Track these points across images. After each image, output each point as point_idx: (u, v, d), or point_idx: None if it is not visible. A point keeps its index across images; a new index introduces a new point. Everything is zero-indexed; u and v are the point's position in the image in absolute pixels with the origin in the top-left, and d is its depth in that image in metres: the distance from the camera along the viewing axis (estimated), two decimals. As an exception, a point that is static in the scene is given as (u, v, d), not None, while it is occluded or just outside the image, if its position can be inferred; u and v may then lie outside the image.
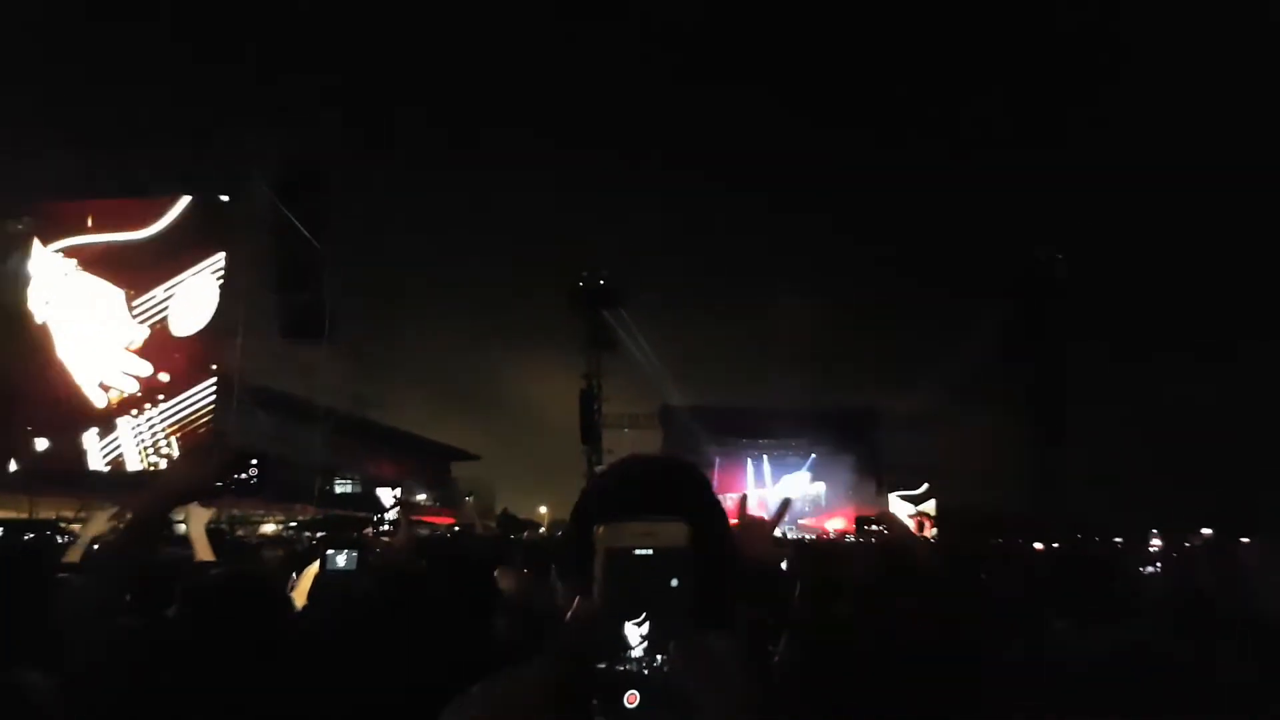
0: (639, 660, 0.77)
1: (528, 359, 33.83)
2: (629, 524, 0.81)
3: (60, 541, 6.38)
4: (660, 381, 27.26)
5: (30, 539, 7.01)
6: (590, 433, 25.40)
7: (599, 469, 1.12)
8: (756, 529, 2.03)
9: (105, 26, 19.41)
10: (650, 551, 0.80)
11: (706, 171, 38.60)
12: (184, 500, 2.06)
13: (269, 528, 15.03)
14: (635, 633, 0.78)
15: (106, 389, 15.11)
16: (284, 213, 15.83)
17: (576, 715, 0.78)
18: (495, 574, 2.89)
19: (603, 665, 0.77)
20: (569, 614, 0.83)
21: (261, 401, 16.93)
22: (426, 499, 31.66)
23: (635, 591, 0.79)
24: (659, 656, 0.77)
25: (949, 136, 32.40)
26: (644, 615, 0.78)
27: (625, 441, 25.76)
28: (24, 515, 13.92)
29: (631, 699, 0.77)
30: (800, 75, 37.20)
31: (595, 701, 0.78)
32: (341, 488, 26.36)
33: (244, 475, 2.08)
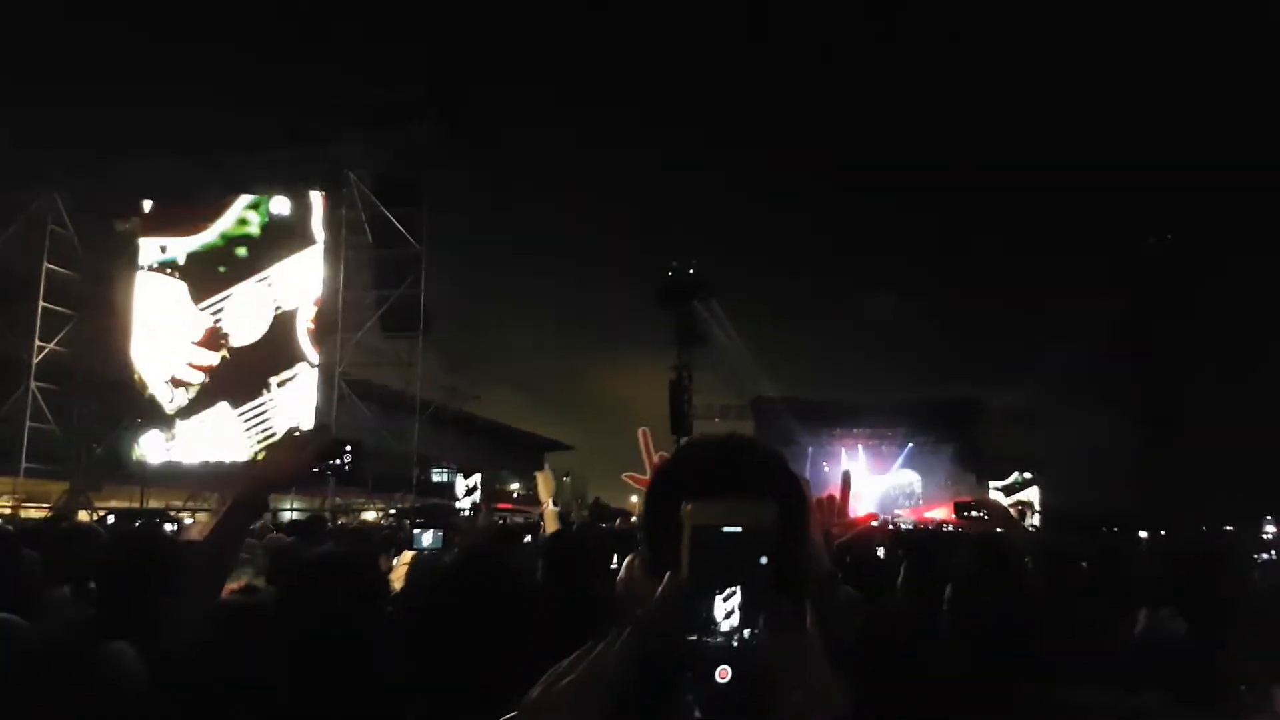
0: (728, 634, 0.78)
1: (619, 352, 34.11)
2: (718, 501, 0.82)
3: (170, 529, 6.73)
4: (751, 373, 27.08)
5: (140, 524, 7.42)
6: (680, 423, 25.38)
7: (680, 444, 1.14)
8: (828, 508, 2.07)
9: (206, 31, 20.39)
10: (740, 529, 0.80)
11: (801, 161, 38.07)
12: (281, 486, 2.09)
13: (369, 515, 15.54)
14: (723, 608, 0.78)
15: (176, 384, 15.88)
16: (383, 212, 16.36)
17: (665, 687, 0.79)
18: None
19: (693, 639, 0.78)
20: (659, 589, 0.83)
21: (363, 394, 17.56)
22: (519, 489, 32.27)
23: (724, 569, 0.79)
24: (747, 631, 0.78)
25: (1059, 123, 31.03)
26: (732, 591, 0.78)
27: (717, 432, 25.63)
28: (135, 504, 14.78)
29: (723, 674, 0.77)
30: (899, 64, 36.23)
31: (687, 675, 0.78)
32: (438, 477, 27.12)
33: (339, 461, 2.11)
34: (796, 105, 38.05)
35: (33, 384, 15.96)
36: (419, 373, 17.35)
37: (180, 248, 16.25)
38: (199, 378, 15.93)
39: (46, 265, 16.14)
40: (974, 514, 3.58)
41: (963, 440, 28.17)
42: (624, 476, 16.19)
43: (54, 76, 18.23)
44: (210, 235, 16.23)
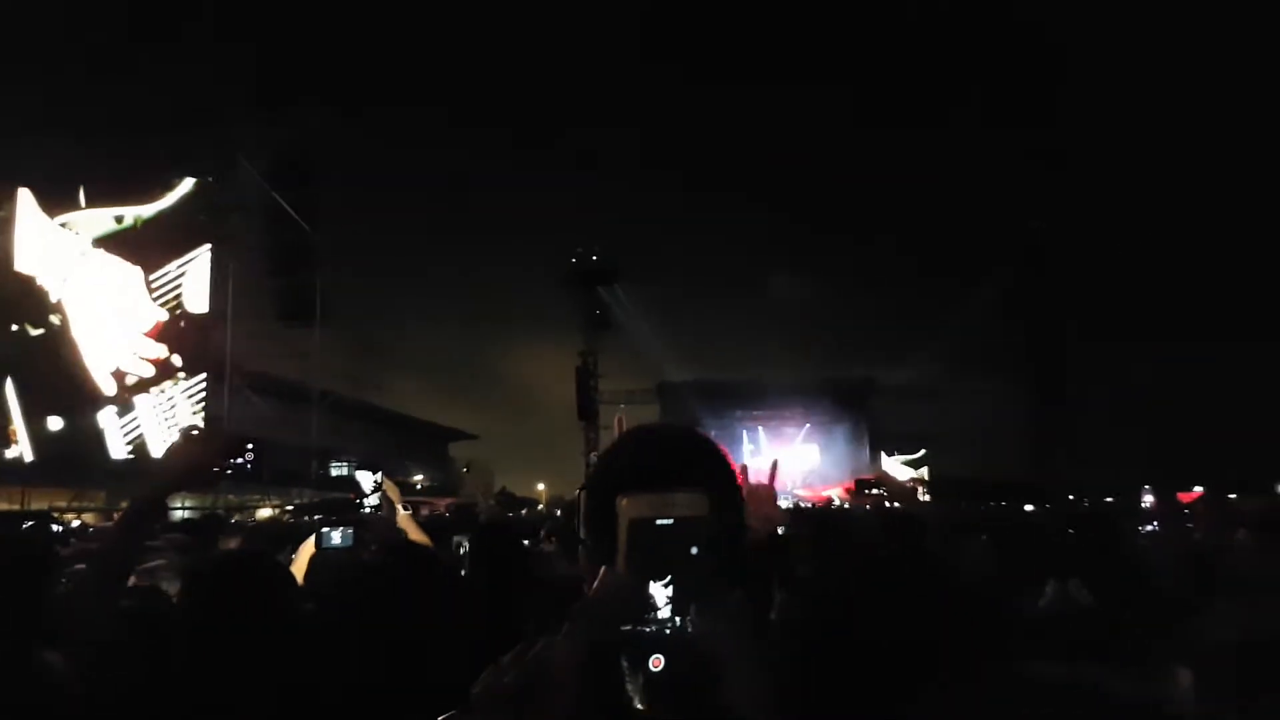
0: (663, 623, 0.81)
1: (523, 338, 33.89)
2: (650, 495, 0.84)
3: (56, 530, 6.41)
4: (656, 357, 27.29)
5: (30, 526, 7.05)
6: (587, 409, 25.47)
7: (614, 438, 1.15)
8: (761, 494, 2.09)
9: (98, 10, 19.16)
10: (671, 521, 0.83)
11: (697, 146, 38.47)
12: (182, 487, 2.07)
13: (265, 512, 15.06)
14: (660, 596, 0.81)
15: (120, 376, 15.02)
16: (275, 198, 15.77)
17: (606, 677, 0.81)
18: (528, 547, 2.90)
19: (628, 628, 0.81)
20: (594, 583, 0.86)
21: (257, 386, 16.91)
22: (424, 479, 31.74)
23: (658, 560, 0.82)
24: (679, 620, 0.81)
25: (943, 109, 32.26)
26: (667, 579, 0.81)
27: (625, 417, 25.80)
28: (16, 507, 13.91)
29: (656, 662, 0.80)
30: (791, 49, 36.94)
31: (625, 665, 0.82)
32: (337, 470, 26.39)
33: (241, 460, 2.09)
34: (699, 92, 38.45)
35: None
36: (316, 363, 16.89)
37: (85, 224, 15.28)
38: (148, 370, 15.05)
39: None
40: (873, 490, 3.73)
41: (859, 418, 29.16)
42: None
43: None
44: (115, 210, 15.30)
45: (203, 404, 14.93)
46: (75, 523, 10.17)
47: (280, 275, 16.08)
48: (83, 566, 2.36)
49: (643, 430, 1.12)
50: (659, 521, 0.83)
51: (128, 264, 15.15)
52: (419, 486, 28.73)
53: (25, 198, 15.17)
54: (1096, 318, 25.09)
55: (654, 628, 0.81)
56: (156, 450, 14.63)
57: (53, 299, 14.93)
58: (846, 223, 36.89)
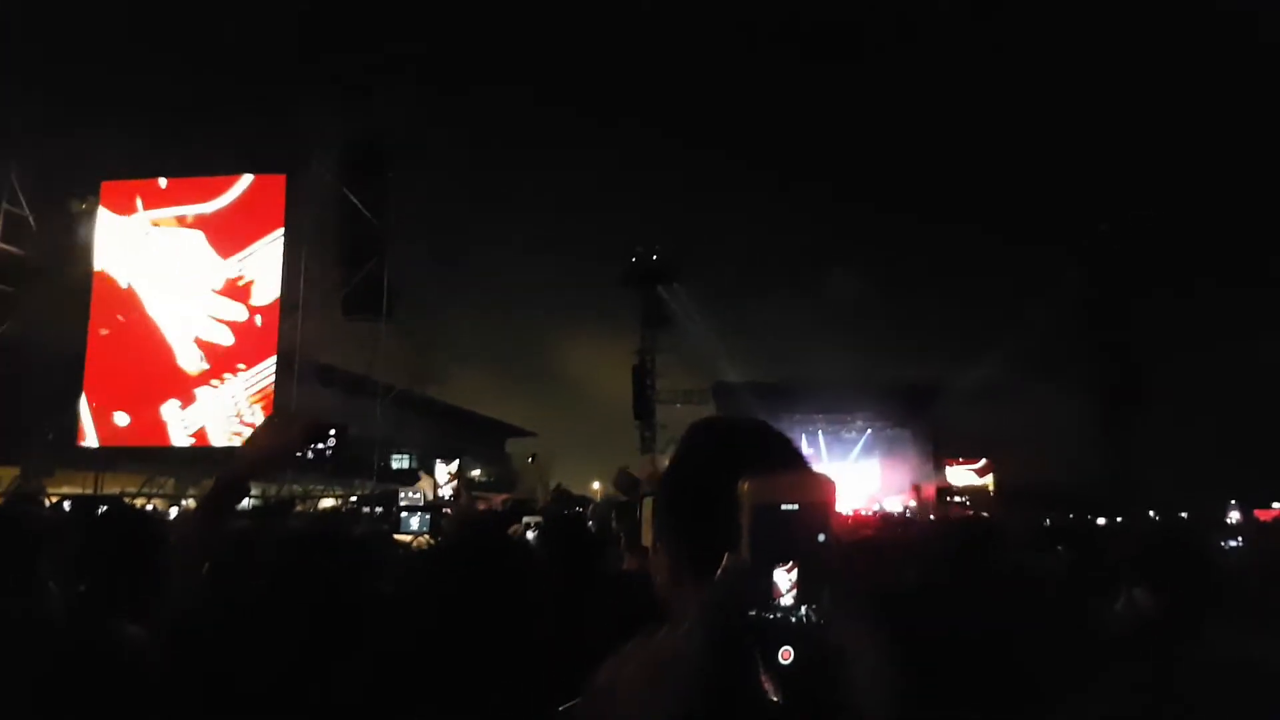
0: (788, 611, 0.79)
1: (581, 336, 33.98)
2: (776, 478, 0.83)
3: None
4: (714, 357, 27.18)
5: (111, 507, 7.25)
6: (643, 408, 25.48)
7: (696, 426, 1.13)
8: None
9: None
10: (797, 506, 0.81)
11: (763, 146, 38.17)
12: (264, 469, 2.07)
13: (328, 502, 15.37)
14: (784, 581, 0.79)
15: (203, 344, 15.40)
16: (345, 191, 16.08)
17: (734, 665, 0.80)
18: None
19: (754, 613, 0.79)
20: (719, 569, 0.84)
21: (322, 378, 17.28)
22: (481, 474, 32.11)
23: (783, 546, 0.80)
24: (806, 610, 0.79)
25: (1010, 105, 31.47)
26: (792, 567, 0.80)
27: (678, 416, 25.72)
28: (89, 492, 14.45)
29: (786, 654, 0.78)
30: (857, 51, 36.41)
31: (754, 657, 0.79)
32: (398, 463, 26.90)
33: (323, 445, 2.09)
34: (759, 92, 38.14)
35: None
36: (380, 356, 17.17)
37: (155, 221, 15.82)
38: (228, 336, 15.41)
39: (-1, 245, 15.64)
40: (956, 499, 3.65)
41: (922, 424, 28.57)
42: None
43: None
44: (181, 209, 15.80)
45: (262, 395, 15.26)
46: (148, 507, 10.47)
47: (348, 268, 16.38)
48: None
49: (722, 420, 1.12)
50: (784, 506, 0.81)
51: (186, 230, 15.58)
52: (476, 481, 29.07)
53: (106, 192, 15.77)
54: (1172, 320, 24.21)
55: (781, 615, 0.79)
56: (217, 439, 15.01)
57: (123, 286, 15.48)
58: (910, 222, 36.25)
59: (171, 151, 15.83)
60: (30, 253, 16.02)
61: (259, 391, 15.27)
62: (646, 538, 1.08)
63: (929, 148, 33.53)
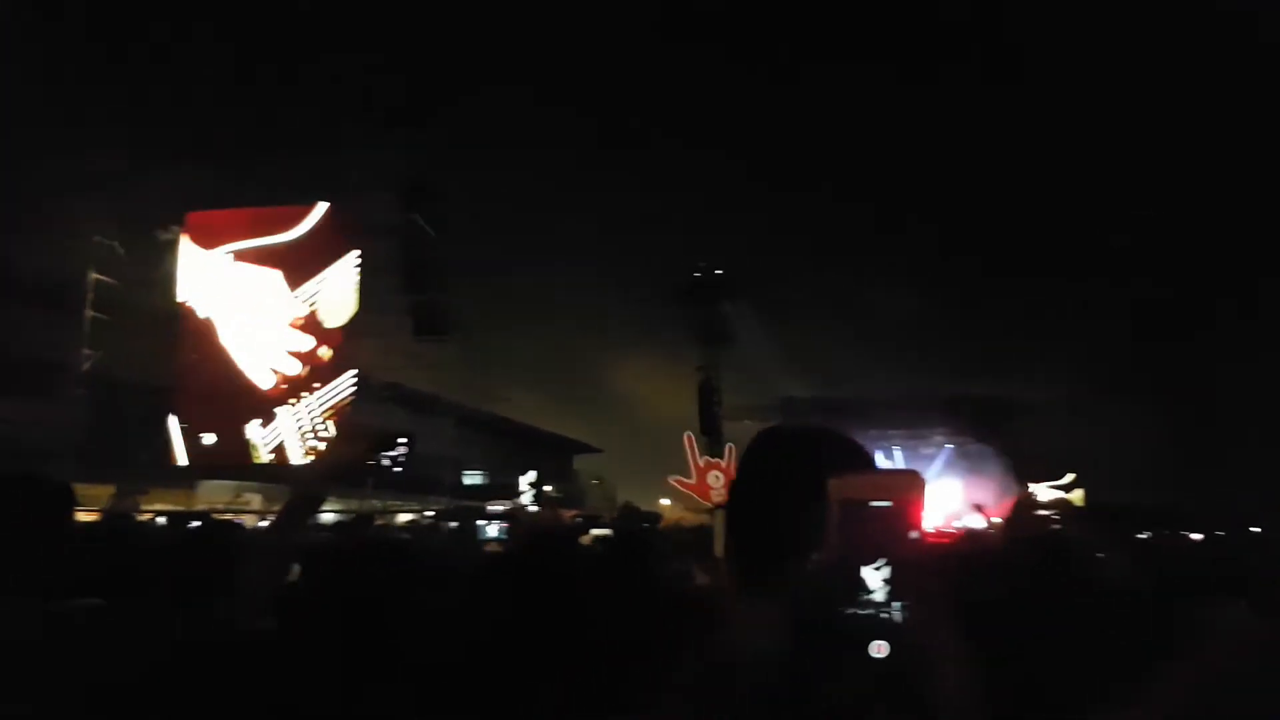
0: (878, 608, 0.79)
1: (643, 352, 34.06)
2: (866, 476, 0.85)
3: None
4: (778, 372, 26.89)
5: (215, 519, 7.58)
6: (710, 425, 25.31)
7: (763, 435, 1.11)
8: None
9: (227, 37, 20.69)
10: (889, 503, 0.81)
11: (827, 157, 37.88)
12: (337, 479, 2.11)
13: (405, 517, 15.68)
14: (874, 578, 0.79)
15: (276, 373, 16.02)
16: (410, 216, 16.50)
17: (823, 656, 0.80)
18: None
19: (848, 611, 0.79)
20: (809, 564, 0.84)
21: (394, 398, 17.75)
22: (551, 490, 32.32)
23: (874, 542, 0.80)
24: (898, 606, 0.79)
25: (1086, 111, 30.65)
26: (882, 564, 0.79)
27: (748, 433, 25.45)
28: (181, 508, 15.03)
29: (880, 649, 0.78)
30: (918, 62, 35.91)
31: (842, 650, 0.80)
32: (470, 479, 27.33)
33: (394, 453, 2.12)
34: (820, 103, 37.86)
35: (81, 391, 16.25)
36: (446, 375, 17.53)
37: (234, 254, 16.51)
38: (297, 366, 16.08)
39: (93, 275, 16.43)
40: (1043, 512, 3.56)
41: (1001, 440, 27.68)
42: (671, 480, 16.12)
43: (89, 86, 18.59)
44: (257, 240, 16.43)
45: (333, 412, 15.72)
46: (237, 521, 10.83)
47: (415, 291, 16.76)
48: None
49: (795, 427, 1.11)
50: (874, 503, 0.80)
51: (264, 268, 16.27)
52: (549, 496, 29.31)
53: (190, 223, 16.49)
54: (1248, 335, 23.12)
55: (872, 611, 0.79)
56: (295, 456, 15.55)
57: (201, 316, 16.16)
58: (982, 235, 35.44)
59: (242, 182, 16.46)
60: (121, 282, 16.79)
61: (330, 409, 15.75)
62: (719, 548, 1.08)
63: (1006, 157, 32.83)
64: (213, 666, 1.68)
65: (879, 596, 0.78)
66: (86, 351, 16.31)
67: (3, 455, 14.04)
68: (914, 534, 0.79)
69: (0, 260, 16.24)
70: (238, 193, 16.65)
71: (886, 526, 0.80)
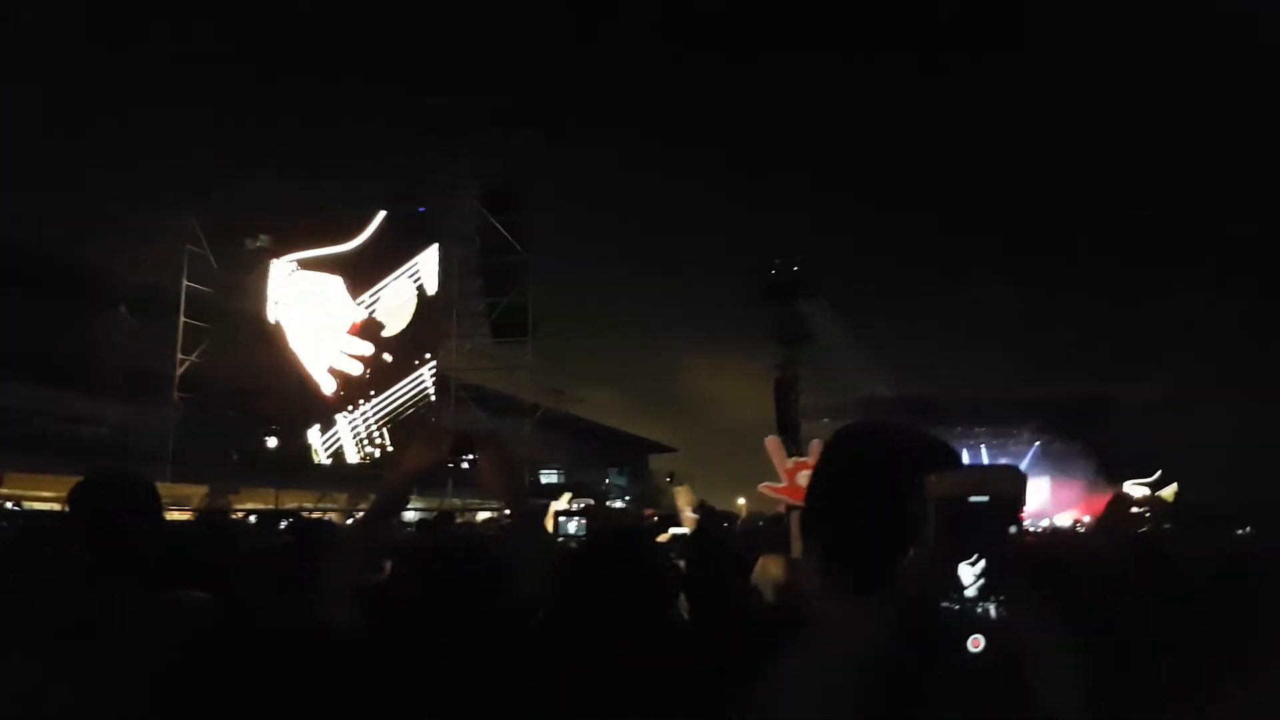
0: (974, 603, 0.79)
1: (719, 352, 33.94)
2: (964, 471, 0.85)
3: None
4: (858, 371, 26.44)
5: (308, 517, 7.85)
6: (788, 424, 25.05)
7: (843, 433, 1.11)
8: None
9: (311, 52, 21.37)
10: (987, 499, 0.81)
11: (912, 152, 37.14)
12: (418, 479, 2.16)
13: (484, 515, 15.96)
14: (969, 574, 0.80)
15: (335, 374, 16.60)
16: (491, 220, 16.83)
17: (919, 651, 0.81)
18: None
19: (944, 605, 0.80)
20: (906, 559, 0.85)
21: (473, 398, 18.12)
22: (627, 488, 32.49)
23: (969, 539, 0.80)
24: (995, 602, 0.79)
25: (1182, 109, 29.26)
26: (978, 559, 0.80)
27: (826, 433, 25.08)
28: (270, 506, 15.61)
29: (976, 643, 0.79)
30: (1016, 54, 34.91)
31: (939, 644, 0.80)
32: (547, 478, 27.68)
33: (472, 457, 2.16)
34: (908, 97, 37.13)
35: (176, 395, 17.07)
36: (525, 376, 17.79)
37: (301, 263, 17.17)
38: (357, 368, 16.69)
39: (185, 283, 17.22)
40: (1137, 510, 3.43)
41: (1093, 438, 26.66)
42: (761, 488, 15.99)
43: (179, 104, 19.49)
44: (324, 250, 17.06)
45: (389, 418, 16.17)
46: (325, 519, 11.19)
47: (495, 294, 17.08)
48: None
49: (876, 424, 1.11)
50: (972, 499, 0.81)
51: (325, 274, 16.93)
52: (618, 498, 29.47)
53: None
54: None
55: (968, 605, 0.79)
56: (351, 458, 16.46)
57: (272, 322, 16.85)
58: (1076, 230, 34.20)
59: (325, 189, 17.01)
60: (215, 290, 17.56)
61: (394, 412, 16.25)
62: (795, 549, 1.07)
63: (1097, 150, 31.64)
64: (312, 661, 1.74)
65: (973, 592, 0.79)
66: (180, 357, 17.13)
67: (103, 458, 14.76)
68: (1013, 530, 0.80)
69: (101, 271, 17.20)
70: (321, 200, 17.20)
71: (986, 523, 0.80)
